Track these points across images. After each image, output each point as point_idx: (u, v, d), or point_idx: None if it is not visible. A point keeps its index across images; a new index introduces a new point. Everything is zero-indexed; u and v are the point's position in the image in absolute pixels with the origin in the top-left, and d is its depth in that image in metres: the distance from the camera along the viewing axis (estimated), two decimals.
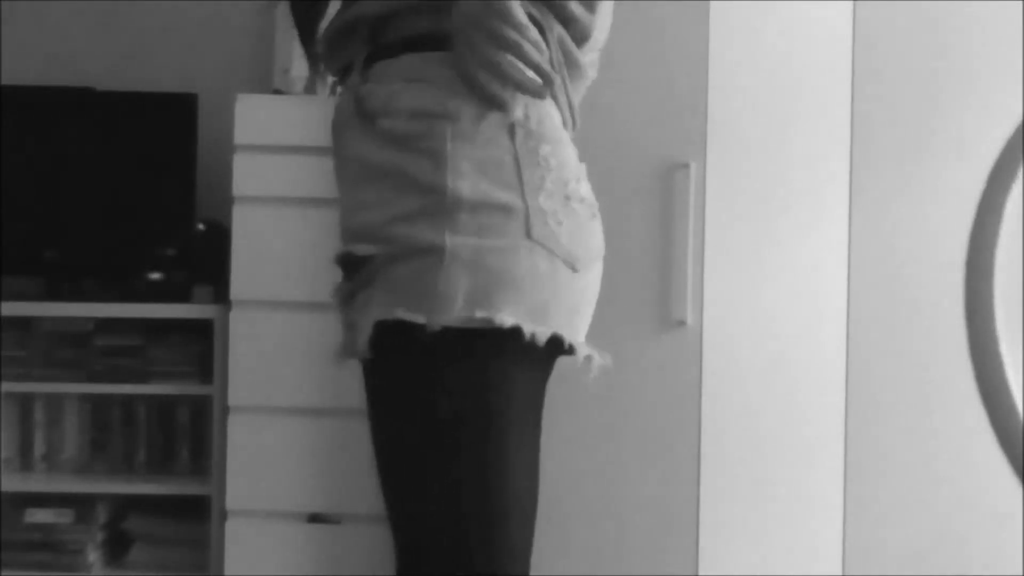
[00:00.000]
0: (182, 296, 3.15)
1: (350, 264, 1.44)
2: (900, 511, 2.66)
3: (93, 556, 3.13)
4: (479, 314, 1.36)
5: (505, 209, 1.39)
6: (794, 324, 2.67)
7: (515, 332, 1.37)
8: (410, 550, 1.41)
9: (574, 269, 1.43)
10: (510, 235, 1.39)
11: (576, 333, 1.45)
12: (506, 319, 1.37)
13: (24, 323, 3.17)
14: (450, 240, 1.36)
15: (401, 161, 1.39)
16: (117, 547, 3.19)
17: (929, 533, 2.65)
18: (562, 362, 1.48)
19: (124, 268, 3.23)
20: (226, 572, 2.90)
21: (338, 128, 1.49)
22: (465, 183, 1.38)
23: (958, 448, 2.65)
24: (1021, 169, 2.63)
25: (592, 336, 1.48)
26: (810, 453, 2.67)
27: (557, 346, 1.43)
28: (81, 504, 3.16)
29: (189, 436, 3.23)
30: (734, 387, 2.67)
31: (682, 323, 2.66)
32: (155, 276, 3.20)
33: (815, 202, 2.67)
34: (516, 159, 1.41)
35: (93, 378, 3.17)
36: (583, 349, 1.46)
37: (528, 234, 1.40)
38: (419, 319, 1.35)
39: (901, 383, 2.66)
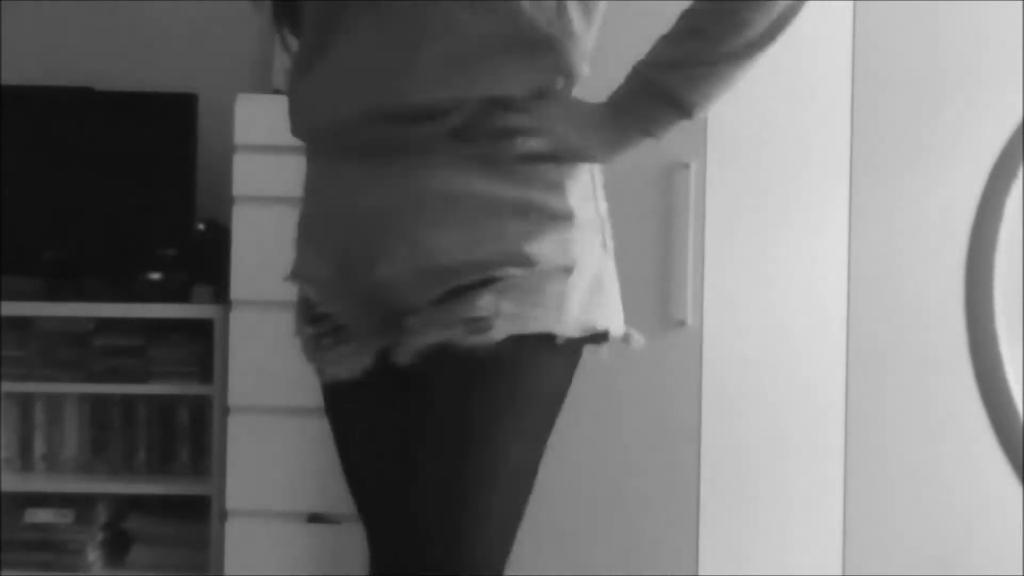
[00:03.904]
0: (182, 296, 3.15)
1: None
2: (900, 511, 2.66)
3: (93, 556, 3.13)
4: (596, 324, 1.47)
5: (592, 224, 1.51)
6: (794, 323, 2.67)
7: (606, 335, 1.49)
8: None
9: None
10: (598, 248, 1.51)
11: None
12: (614, 325, 1.50)
13: (24, 323, 3.17)
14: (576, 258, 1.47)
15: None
16: (117, 547, 3.19)
17: (929, 533, 2.65)
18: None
19: (124, 268, 3.23)
20: (226, 572, 2.90)
21: None
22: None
23: (958, 448, 2.65)
24: (1021, 169, 2.63)
25: None
26: (810, 453, 2.67)
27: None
28: (81, 504, 3.15)
29: (189, 436, 3.23)
30: (734, 387, 2.67)
31: (682, 323, 2.66)
32: (155, 276, 3.20)
33: (815, 202, 2.67)
34: (592, 177, 1.54)
35: (93, 378, 3.17)
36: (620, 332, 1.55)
37: (604, 245, 1.53)
38: (556, 330, 1.43)
39: (901, 383, 2.66)
